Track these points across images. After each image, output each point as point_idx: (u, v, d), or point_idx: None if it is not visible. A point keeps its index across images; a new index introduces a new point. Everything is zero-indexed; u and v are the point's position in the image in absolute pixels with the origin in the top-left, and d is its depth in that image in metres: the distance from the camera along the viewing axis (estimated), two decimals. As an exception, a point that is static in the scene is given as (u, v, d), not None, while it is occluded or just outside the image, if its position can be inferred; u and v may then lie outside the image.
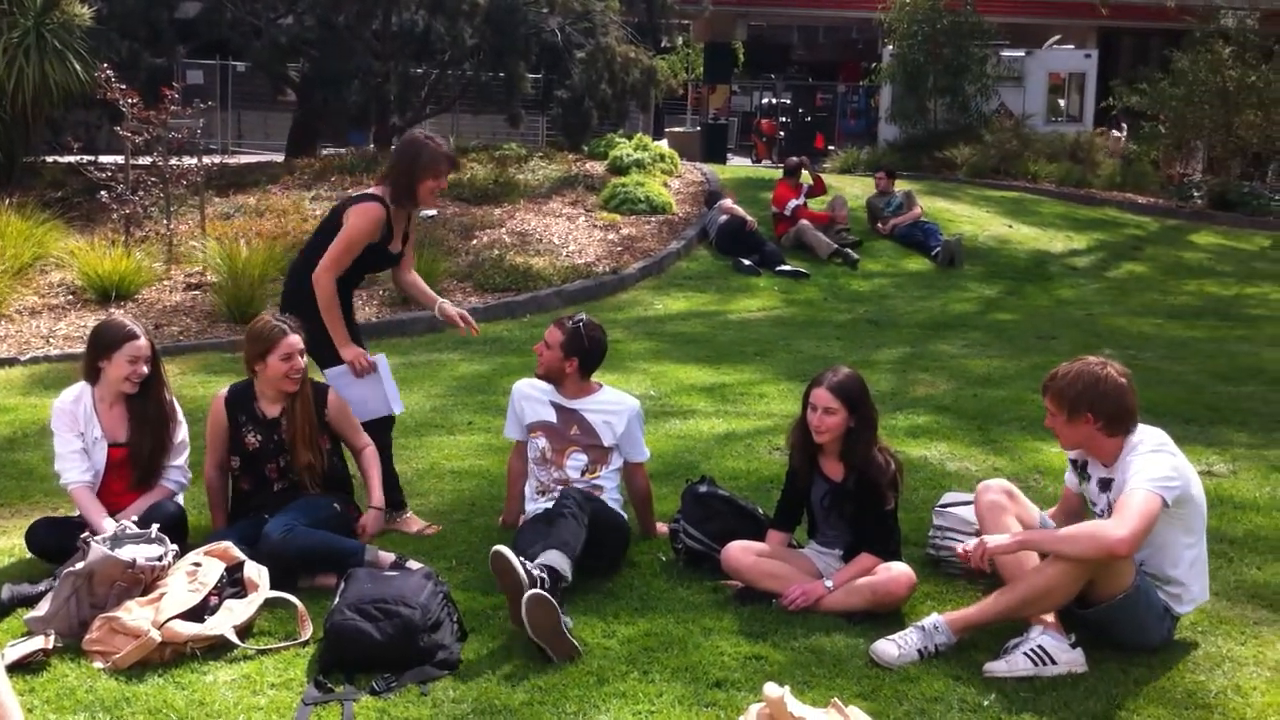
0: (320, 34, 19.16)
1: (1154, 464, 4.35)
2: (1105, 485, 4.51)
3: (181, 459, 5.45)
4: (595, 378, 5.67)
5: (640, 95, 21.46)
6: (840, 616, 4.67)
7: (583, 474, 5.37)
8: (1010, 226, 16.66)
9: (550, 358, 5.48)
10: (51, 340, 10.39)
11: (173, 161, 13.02)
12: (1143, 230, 17.57)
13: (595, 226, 14.80)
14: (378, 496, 5.37)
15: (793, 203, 14.98)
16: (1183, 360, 10.04)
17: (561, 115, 21.03)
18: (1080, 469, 4.73)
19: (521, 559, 4.40)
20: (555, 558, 4.60)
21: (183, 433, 5.47)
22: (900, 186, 16.58)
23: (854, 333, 11.23)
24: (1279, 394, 8.92)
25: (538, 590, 4.30)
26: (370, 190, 5.75)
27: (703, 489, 5.38)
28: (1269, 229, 18.13)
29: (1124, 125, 24.91)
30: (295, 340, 5.26)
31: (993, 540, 4.38)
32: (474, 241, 13.84)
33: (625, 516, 5.40)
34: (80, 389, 5.30)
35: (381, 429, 5.80)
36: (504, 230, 14.34)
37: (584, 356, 5.51)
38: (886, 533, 4.87)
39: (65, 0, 15.14)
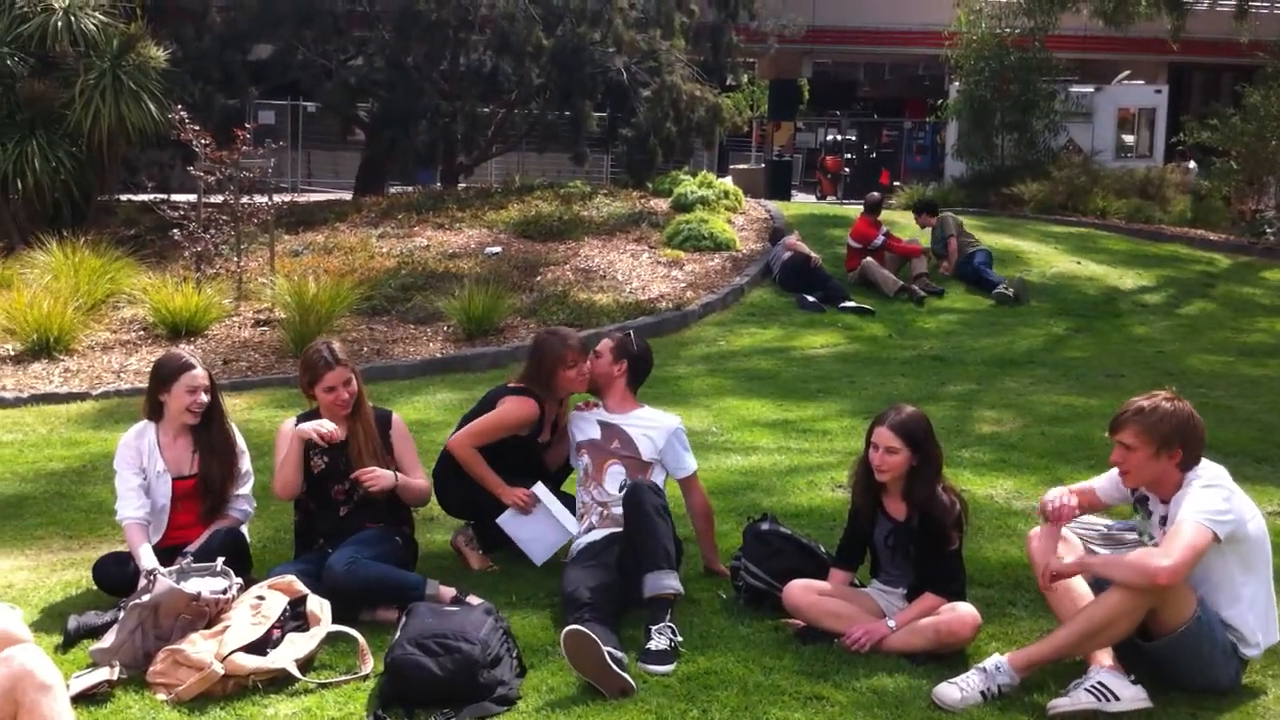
0: (389, 75, 19.45)
1: (1206, 498, 4.30)
2: (1165, 522, 4.43)
3: (246, 488, 5.53)
4: (651, 405, 5.69)
5: (705, 133, 21.51)
6: (903, 657, 4.61)
7: (620, 488, 5.36)
8: (1079, 263, 16.48)
9: (600, 365, 5.58)
10: (122, 375, 10.56)
11: (244, 200, 13.24)
12: (1214, 267, 17.30)
13: (659, 263, 14.83)
14: (403, 477, 5.36)
15: (879, 239, 14.87)
16: (1254, 399, 9.86)
17: (626, 153, 21.15)
18: (1141, 504, 4.65)
19: (609, 650, 4.31)
20: (668, 580, 4.74)
21: (247, 462, 5.55)
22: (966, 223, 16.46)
23: (919, 369, 11.14)
24: (1355, 433, 8.73)
25: (574, 626, 4.31)
26: (513, 385, 5.82)
27: (764, 527, 5.35)
28: (1344, 266, 17.80)
29: (1194, 161, 24.61)
30: (339, 373, 5.32)
31: (1055, 563, 4.41)
32: (538, 278, 13.91)
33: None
34: (144, 425, 5.40)
35: None
36: (568, 267, 14.41)
37: (632, 361, 5.59)
38: (950, 573, 4.81)
39: (141, 43, 15.48)
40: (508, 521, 5.66)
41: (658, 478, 5.47)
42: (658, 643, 4.58)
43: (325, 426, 5.23)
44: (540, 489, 5.66)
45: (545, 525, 5.64)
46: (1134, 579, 4.19)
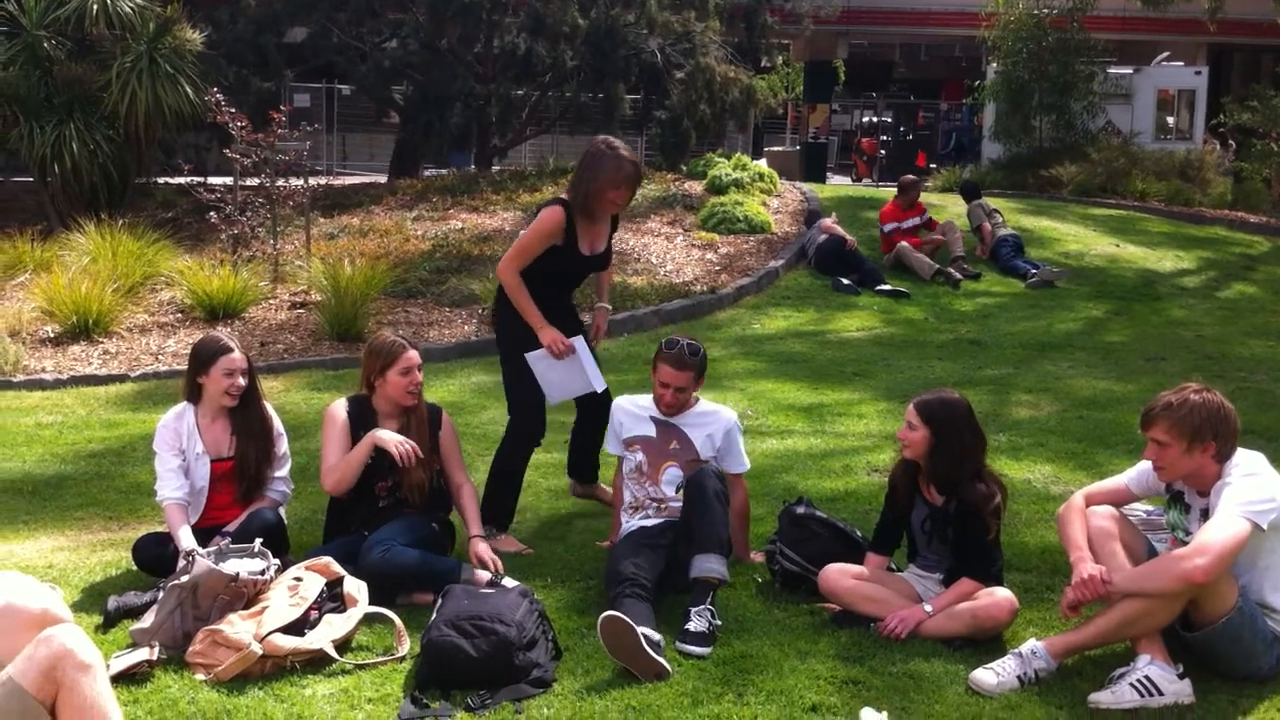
0: (424, 57, 19.48)
1: (1247, 488, 4.24)
2: (1205, 516, 4.37)
3: (284, 470, 5.55)
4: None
5: (739, 115, 21.45)
6: (940, 642, 4.59)
7: (678, 490, 5.34)
8: (1118, 246, 16.34)
9: (684, 396, 5.43)
10: (160, 357, 10.64)
11: (279, 183, 13.28)
12: (1254, 250, 17.12)
13: (693, 246, 14.80)
14: (476, 526, 5.36)
15: (890, 225, 14.83)
16: (1297, 383, 9.75)
17: (660, 135, 21.10)
18: (1177, 499, 4.59)
19: (644, 632, 4.33)
20: (716, 565, 4.74)
21: (284, 445, 5.57)
22: (994, 203, 16.38)
23: (956, 353, 11.08)
24: (1399, 418, 8.62)
25: (612, 611, 4.31)
26: (561, 195, 5.90)
27: (800, 510, 5.33)
28: (1388, 248, 17.58)
29: (1232, 142, 24.34)
30: (414, 355, 5.35)
31: (1074, 592, 4.31)
32: (573, 261, 13.89)
33: None
34: (183, 407, 5.42)
35: (597, 411, 5.94)
36: (602, 250, 14.37)
37: (703, 372, 5.54)
38: (988, 558, 4.78)
39: (177, 26, 15.54)
40: (536, 359, 5.72)
41: None
42: (696, 624, 4.58)
43: (406, 444, 5.18)
44: (579, 342, 5.76)
45: (571, 374, 5.73)
46: (1170, 585, 4.15)
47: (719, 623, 4.65)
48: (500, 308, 5.95)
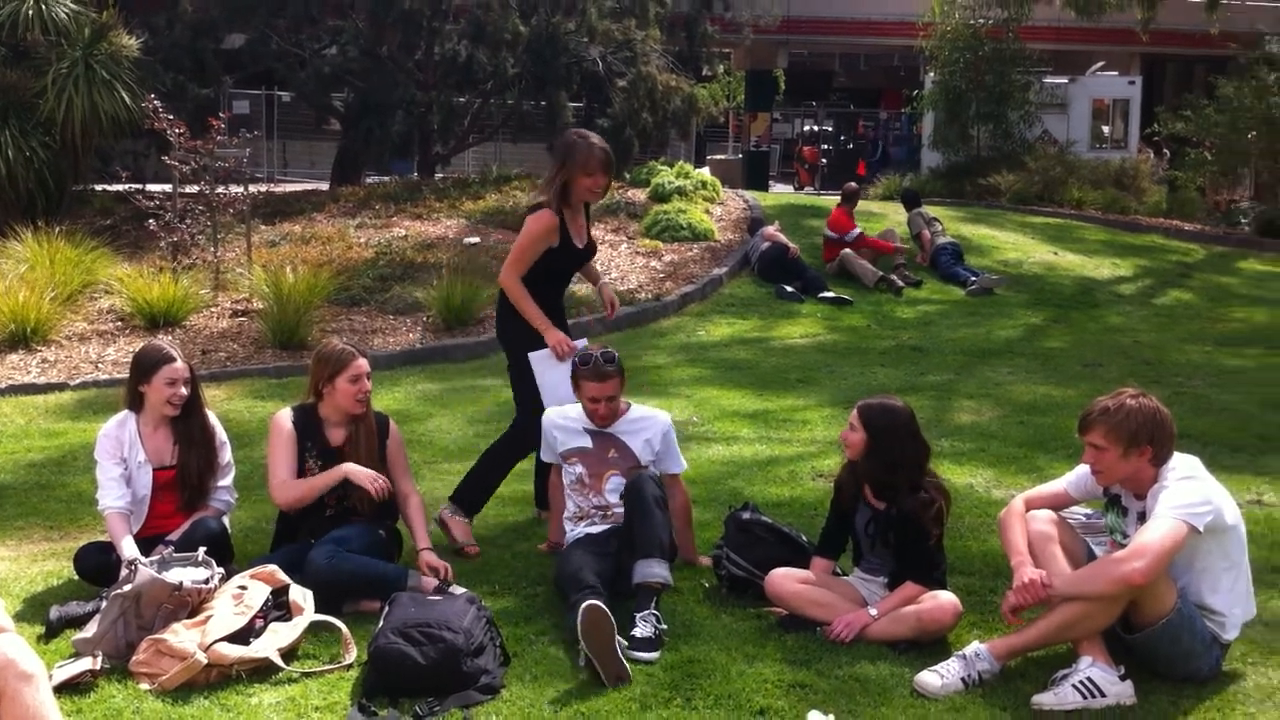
0: (364, 64, 19.39)
1: (1184, 491, 4.31)
2: (1142, 519, 4.44)
3: (228, 480, 5.51)
4: (631, 396, 5.72)
5: (681, 123, 21.50)
6: (885, 645, 4.63)
7: (621, 497, 5.36)
8: (1055, 253, 16.56)
9: (616, 404, 5.47)
10: (100, 365, 10.51)
11: (219, 190, 13.16)
12: (1189, 257, 17.41)
13: (638, 253, 14.82)
14: (424, 538, 5.32)
15: (855, 231, 14.93)
16: (1231, 389, 9.92)
17: (602, 143, 21.06)
18: (1114, 502, 4.67)
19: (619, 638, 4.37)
20: (659, 569, 4.75)
21: (227, 454, 5.53)
22: (933, 211, 16.59)
23: (898, 359, 11.18)
24: (1330, 422, 8.81)
25: (596, 601, 4.31)
26: (539, 198, 6.01)
27: (746, 516, 5.36)
28: (1317, 256, 17.94)
29: (1166, 151, 24.74)
30: (364, 363, 5.33)
31: (1015, 596, 4.37)
32: (516, 268, 13.86)
33: None
34: (124, 416, 5.37)
35: None
36: (546, 257, 14.36)
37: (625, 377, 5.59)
38: (931, 561, 4.83)
39: (113, 32, 15.37)
40: (538, 360, 5.84)
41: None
42: (643, 630, 4.59)
43: (380, 480, 5.13)
44: (584, 344, 5.87)
45: (568, 377, 5.75)
46: (1109, 589, 4.21)
47: (664, 627, 4.67)
48: (504, 315, 6.08)
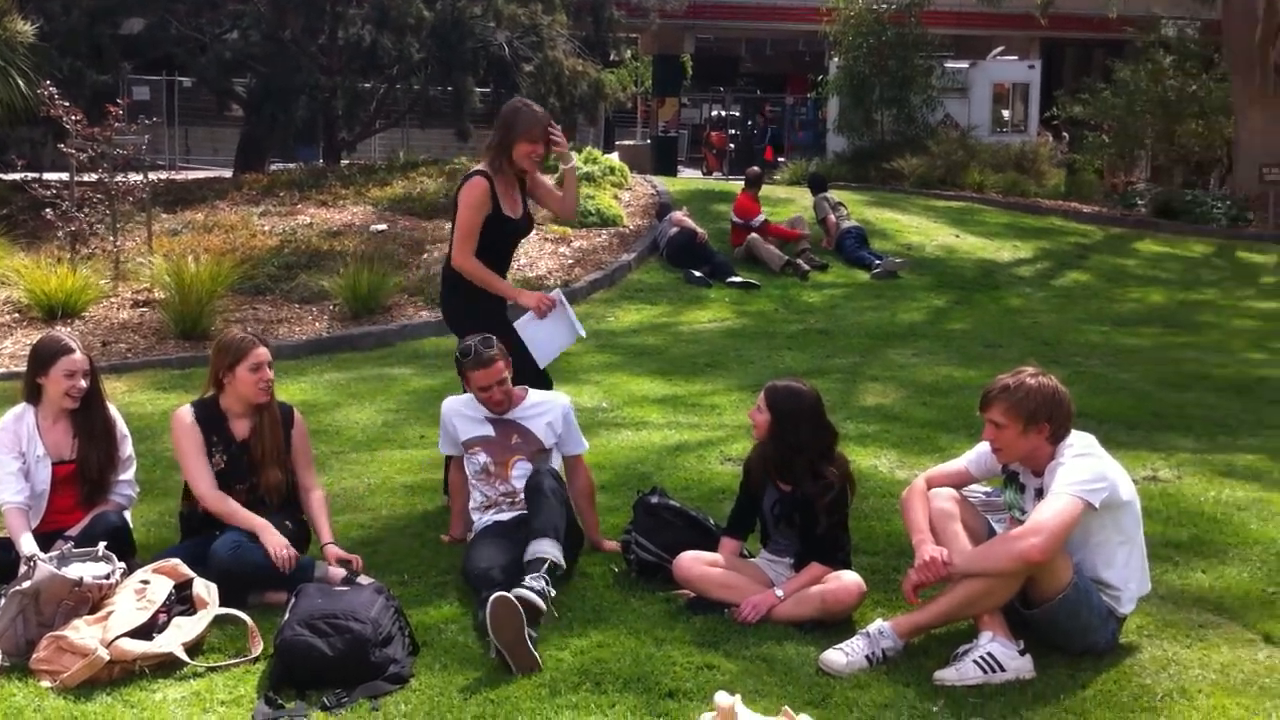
0: (266, 49, 19.12)
1: (1080, 468, 4.41)
2: (1040, 495, 4.54)
3: (129, 473, 5.41)
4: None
5: (588, 108, 21.49)
6: (791, 625, 4.70)
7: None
8: (957, 236, 16.81)
9: (508, 386, 5.46)
10: (-4, 359, 10.28)
11: (118, 178, 12.91)
12: (1087, 239, 17.77)
13: (546, 240, 14.79)
14: (327, 533, 5.26)
15: (760, 217, 15.02)
16: (1128, 367, 10.17)
17: (510, 129, 20.97)
18: (1012, 479, 4.77)
19: (518, 595, 4.36)
20: (549, 547, 4.71)
21: (128, 447, 5.43)
22: (839, 195, 16.78)
23: (805, 343, 11.29)
24: (1223, 400, 9.06)
25: (504, 593, 4.30)
26: (476, 166, 5.97)
27: (654, 500, 5.39)
28: (1211, 236, 18.40)
29: (1065, 134, 25.20)
30: (265, 351, 5.23)
31: (916, 574, 4.46)
32: (425, 255, 13.79)
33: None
34: (22, 409, 5.26)
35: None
36: (454, 244, 14.28)
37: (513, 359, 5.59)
38: (836, 542, 4.90)
39: (7, 17, 14.99)
40: (524, 325, 5.83)
41: (556, 462, 5.49)
42: (534, 584, 4.55)
43: (285, 551, 4.90)
44: (558, 293, 5.89)
45: (559, 327, 5.87)
46: (1007, 565, 4.30)
47: (554, 592, 4.63)
48: (451, 302, 6.05)
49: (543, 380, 5.93)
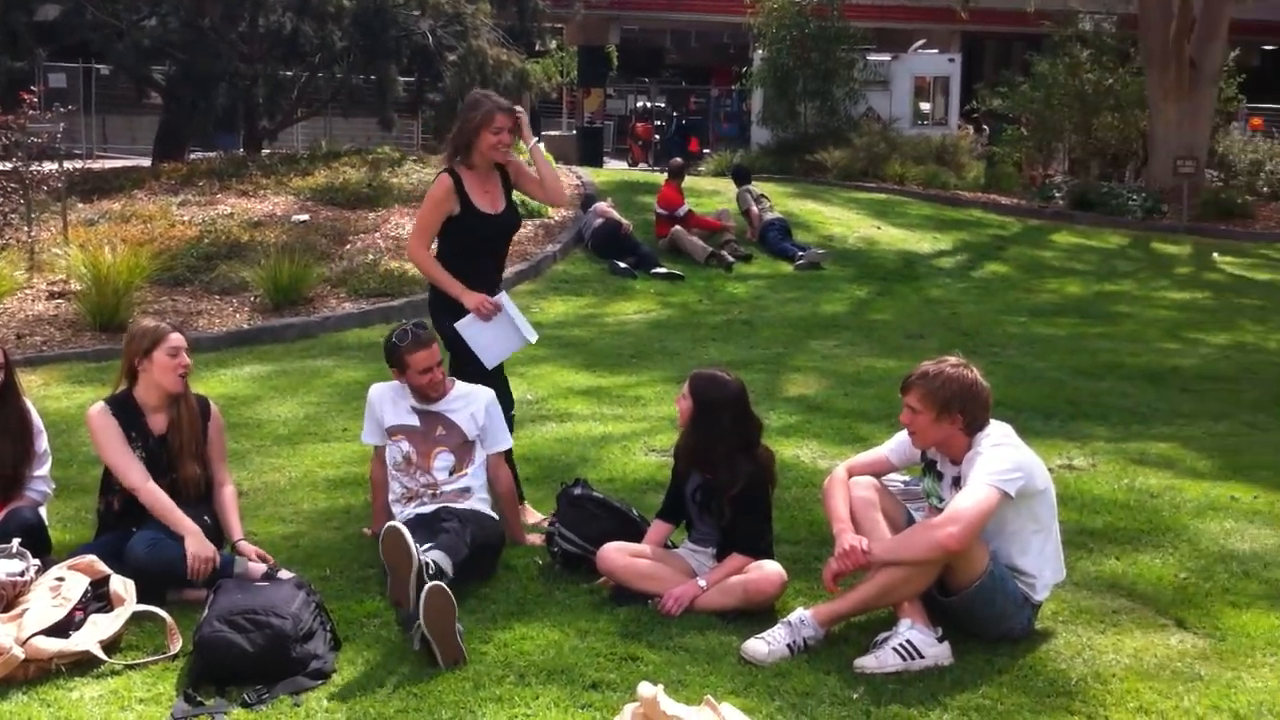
0: (185, 36, 18.82)
1: (995, 459, 4.49)
2: (957, 483, 4.62)
3: (44, 469, 5.32)
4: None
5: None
6: (714, 615, 4.73)
7: (450, 474, 5.37)
8: (879, 228, 16.98)
9: (443, 371, 5.46)
10: (-95, 352, 10.04)
11: (33, 167, 12.67)
12: (1006, 231, 18.02)
13: (470, 230, 14.71)
14: (237, 530, 5.19)
15: (685, 208, 15.07)
16: (1044, 357, 10.33)
17: (434, 118, 20.90)
18: (930, 468, 4.84)
19: (415, 541, 4.38)
20: (439, 556, 4.65)
21: (44, 442, 5.34)
22: (762, 187, 16.89)
23: (729, 334, 11.34)
24: (1137, 389, 9.23)
25: (440, 583, 4.29)
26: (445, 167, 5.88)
27: (577, 491, 5.40)
28: (1126, 228, 18.73)
29: (985, 127, 25.51)
30: (180, 337, 5.14)
31: (836, 563, 4.51)
32: (348, 246, 13.69)
33: (496, 518, 5.39)
34: (-65, 403, 5.15)
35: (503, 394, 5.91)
36: (378, 235, 14.21)
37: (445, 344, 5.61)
38: (756, 532, 4.94)
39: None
40: (465, 326, 5.75)
41: (479, 456, 5.47)
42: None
43: (206, 566, 4.84)
44: (503, 297, 5.77)
45: (504, 332, 5.76)
46: (925, 554, 4.37)
47: (451, 575, 4.63)
48: (431, 295, 5.99)
49: (496, 381, 5.88)
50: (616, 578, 4.97)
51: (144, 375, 5.11)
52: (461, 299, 5.77)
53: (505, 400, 5.92)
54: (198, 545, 4.84)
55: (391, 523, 4.43)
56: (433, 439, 5.43)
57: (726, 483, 4.87)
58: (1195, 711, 4.06)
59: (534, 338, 5.97)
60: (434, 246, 5.96)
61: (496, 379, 5.92)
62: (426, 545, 4.69)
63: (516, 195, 6.09)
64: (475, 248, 5.87)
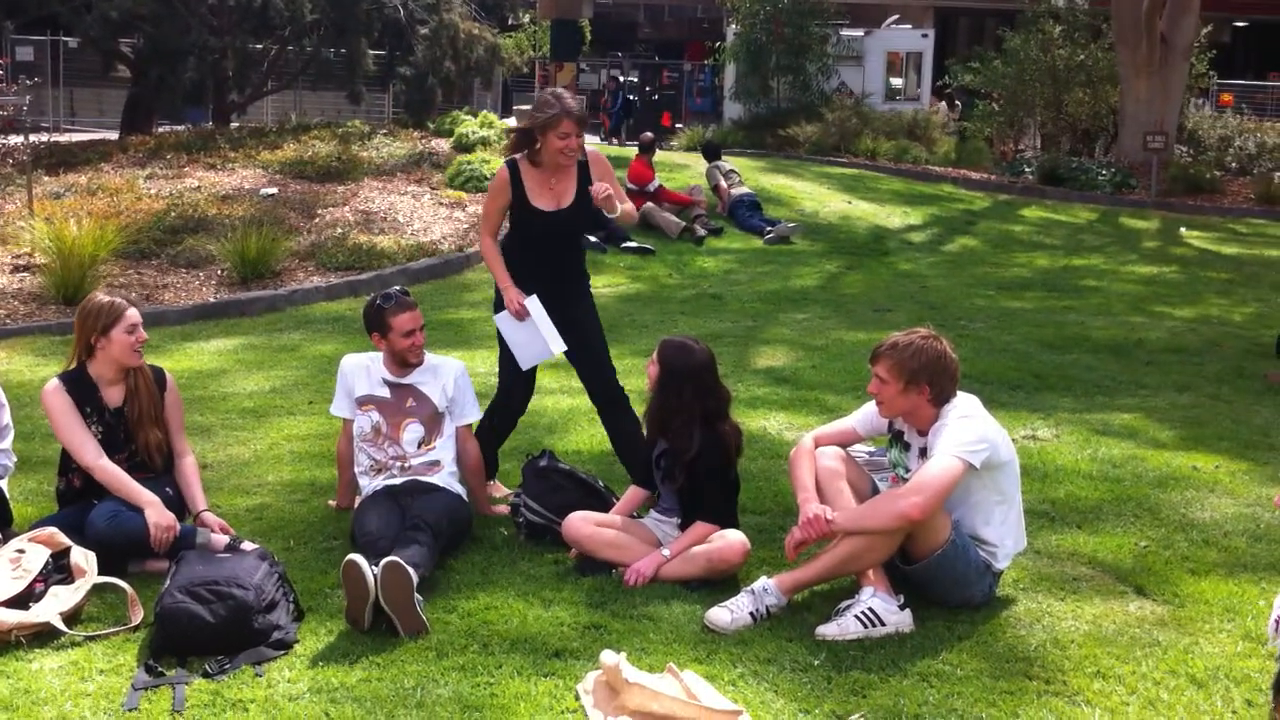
0: (154, 8, 18.67)
1: (961, 431, 4.51)
2: (924, 454, 4.64)
3: (5, 442, 5.27)
4: (435, 350, 5.67)
5: (484, 72, 21.35)
6: (678, 584, 4.75)
7: (419, 446, 5.36)
8: (850, 203, 17.00)
9: (421, 338, 5.45)
10: None
11: (-3, 140, 12.57)
12: (976, 205, 18.07)
13: (441, 204, 14.68)
14: (200, 500, 5.17)
15: (655, 183, 15.05)
16: (1011, 330, 10.38)
17: (405, 92, 20.81)
18: (897, 438, 4.86)
19: (372, 566, 4.30)
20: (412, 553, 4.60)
21: (6, 415, 5.29)
22: (735, 162, 16.87)
23: (699, 308, 11.35)
24: (1102, 361, 9.29)
25: (395, 558, 4.29)
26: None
27: (543, 463, 5.41)
28: (1095, 203, 18.81)
29: (958, 102, 25.54)
30: (135, 313, 5.12)
31: (799, 531, 4.53)
32: (317, 220, 13.62)
33: (465, 499, 5.37)
34: (-106, 374, 5.10)
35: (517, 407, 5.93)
36: (348, 209, 14.14)
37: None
38: (716, 499, 4.96)
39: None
40: (502, 321, 5.72)
41: (448, 428, 5.47)
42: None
43: (167, 534, 4.82)
44: (532, 302, 5.63)
45: (533, 337, 5.66)
46: (889, 523, 4.40)
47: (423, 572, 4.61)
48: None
49: (524, 384, 5.89)
50: (582, 547, 4.98)
51: (101, 352, 5.08)
52: (503, 292, 5.69)
53: (520, 403, 5.94)
54: (158, 515, 4.83)
55: (352, 555, 4.32)
56: (403, 410, 5.42)
57: (682, 449, 4.89)
58: (1152, 676, 4.10)
59: (559, 349, 5.73)
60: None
61: (526, 382, 5.90)
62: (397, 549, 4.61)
63: None
64: (529, 243, 5.76)
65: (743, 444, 5.09)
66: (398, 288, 5.52)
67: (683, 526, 4.99)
